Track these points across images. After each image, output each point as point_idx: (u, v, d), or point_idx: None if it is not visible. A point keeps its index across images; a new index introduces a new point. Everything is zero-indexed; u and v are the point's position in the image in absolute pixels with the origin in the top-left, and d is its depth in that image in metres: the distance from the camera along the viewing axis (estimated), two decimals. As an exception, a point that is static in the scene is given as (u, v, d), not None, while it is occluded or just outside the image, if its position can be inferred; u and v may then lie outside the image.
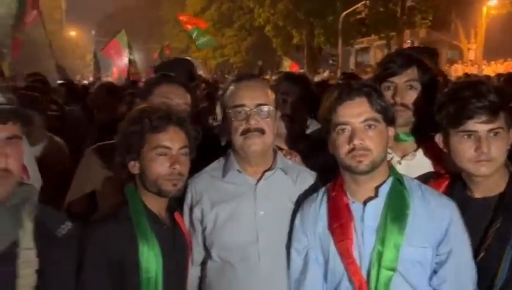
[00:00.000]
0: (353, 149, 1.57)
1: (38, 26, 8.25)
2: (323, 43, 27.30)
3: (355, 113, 1.59)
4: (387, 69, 1.94)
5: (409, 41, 24.61)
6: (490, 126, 1.58)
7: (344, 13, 24.05)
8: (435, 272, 1.57)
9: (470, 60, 22.62)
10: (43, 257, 1.42)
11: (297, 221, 1.75)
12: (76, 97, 6.03)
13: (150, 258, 1.63)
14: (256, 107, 1.79)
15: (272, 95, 1.88)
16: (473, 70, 17.59)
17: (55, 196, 2.20)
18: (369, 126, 1.59)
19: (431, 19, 24.50)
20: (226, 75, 14.68)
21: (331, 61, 25.52)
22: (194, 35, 11.81)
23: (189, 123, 1.79)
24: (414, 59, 1.98)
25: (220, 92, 1.95)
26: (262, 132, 1.79)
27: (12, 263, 1.37)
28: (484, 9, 22.79)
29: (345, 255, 1.58)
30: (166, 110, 1.74)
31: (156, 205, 1.74)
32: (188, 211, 1.92)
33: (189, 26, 12.08)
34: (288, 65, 14.25)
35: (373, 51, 31.53)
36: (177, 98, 2.18)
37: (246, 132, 1.78)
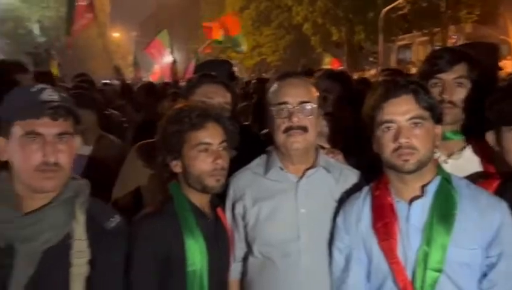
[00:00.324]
0: (399, 148, 1.54)
1: (88, 29, 8.50)
2: (364, 40, 26.82)
3: (401, 110, 1.55)
4: (434, 65, 1.88)
5: (454, 36, 23.74)
6: None
7: (385, 9, 23.52)
8: (484, 275, 1.52)
9: (519, 55, 21.57)
10: (94, 248, 1.48)
11: (339, 219, 1.73)
12: (128, 96, 6.21)
13: (196, 252, 1.66)
14: (299, 104, 1.79)
15: (315, 93, 1.87)
16: (523, 66, 16.75)
17: (109, 192, 2.27)
18: (416, 124, 1.55)
19: (478, 13, 23.56)
20: (264, 74, 14.68)
21: (371, 59, 25.06)
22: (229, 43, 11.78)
23: (226, 118, 1.81)
24: (463, 55, 1.91)
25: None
26: (304, 129, 1.78)
27: (67, 253, 1.43)
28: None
29: (389, 255, 1.55)
30: (203, 108, 1.77)
31: (200, 201, 1.77)
32: (230, 207, 1.95)
33: (213, 35, 12.00)
34: (329, 61, 13.92)
35: (415, 48, 30.65)
36: (218, 97, 2.21)
37: (288, 130, 1.78)
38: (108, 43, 38.76)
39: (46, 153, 1.38)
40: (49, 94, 1.42)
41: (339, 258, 1.71)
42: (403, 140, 1.53)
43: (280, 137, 1.81)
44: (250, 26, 33.92)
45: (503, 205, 1.55)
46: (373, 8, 24.67)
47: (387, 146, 1.56)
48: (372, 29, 25.22)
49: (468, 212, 1.53)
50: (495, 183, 1.70)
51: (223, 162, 1.73)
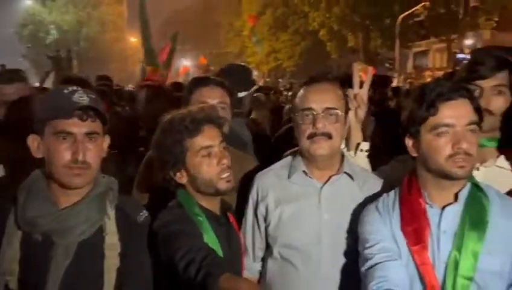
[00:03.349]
0: (456, 154, 1.48)
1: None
2: (380, 47, 26.73)
3: (459, 114, 1.49)
4: (475, 71, 1.81)
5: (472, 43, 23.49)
6: None
7: (402, 16, 23.44)
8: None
9: (540, 62, 21.23)
10: (125, 241, 1.54)
11: (374, 215, 1.66)
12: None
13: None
14: (324, 111, 1.79)
15: (342, 99, 1.87)
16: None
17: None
18: (472, 130, 1.50)
19: (496, 19, 23.29)
20: (280, 80, 14.65)
21: (387, 65, 24.92)
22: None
23: (219, 117, 1.82)
24: (506, 62, 1.84)
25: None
26: (329, 136, 1.78)
27: (100, 246, 1.50)
28: None
29: (419, 258, 1.52)
30: (195, 112, 1.75)
31: (210, 205, 1.77)
32: (252, 206, 1.96)
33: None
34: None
35: (432, 54, 30.41)
36: (214, 99, 2.16)
37: (312, 136, 1.79)
38: (126, 47, 39.28)
39: (75, 151, 1.45)
40: (80, 96, 1.47)
41: (377, 247, 1.57)
42: (464, 145, 1.46)
43: (304, 143, 1.82)
44: (267, 32, 34.06)
45: None
46: (390, 15, 24.60)
47: (443, 150, 1.49)
48: (389, 36, 25.14)
49: (498, 220, 1.51)
50: None
51: (227, 161, 1.73)
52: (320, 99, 1.80)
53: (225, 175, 1.71)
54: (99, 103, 1.52)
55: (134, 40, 42.61)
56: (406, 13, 23.23)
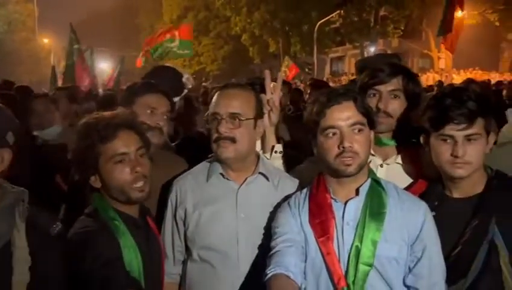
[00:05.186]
0: (342, 152, 1.62)
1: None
2: (299, 52, 27.71)
3: (343, 116, 1.64)
4: (374, 77, 1.98)
5: (382, 49, 25.29)
6: (466, 132, 1.66)
7: (319, 22, 24.52)
8: (409, 269, 1.64)
9: (440, 68, 23.32)
10: (36, 254, 1.47)
11: (285, 211, 1.75)
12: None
13: (132, 260, 1.65)
14: (228, 116, 1.84)
15: (253, 105, 1.91)
16: (442, 79, 18.10)
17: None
18: (357, 130, 1.64)
19: (403, 28, 25.24)
20: (204, 84, 14.63)
21: (306, 70, 25.89)
22: (174, 44, 11.62)
23: (138, 123, 1.81)
24: (401, 68, 2.03)
25: None
26: (233, 140, 1.83)
27: (8, 261, 1.42)
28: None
29: (325, 249, 1.63)
30: (110, 117, 1.71)
31: (128, 209, 1.75)
32: (171, 210, 1.97)
33: (167, 35, 11.85)
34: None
35: (348, 60, 32.17)
36: (161, 107, 2.21)
37: (217, 140, 1.85)
38: (37, 49, 36.70)
39: None
40: None
41: (283, 237, 1.67)
42: (346, 144, 1.61)
43: (213, 146, 1.88)
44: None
45: (425, 205, 1.70)
46: (308, 21, 25.63)
47: (331, 150, 1.64)
48: (307, 41, 26.17)
49: (395, 211, 1.66)
50: (421, 188, 1.85)
51: (143, 169, 1.70)
52: (225, 105, 1.85)
53: (138, 184, 1.68)
54: None
55: (46, 41, 40.07)
56: (323, 20, 24.35)
